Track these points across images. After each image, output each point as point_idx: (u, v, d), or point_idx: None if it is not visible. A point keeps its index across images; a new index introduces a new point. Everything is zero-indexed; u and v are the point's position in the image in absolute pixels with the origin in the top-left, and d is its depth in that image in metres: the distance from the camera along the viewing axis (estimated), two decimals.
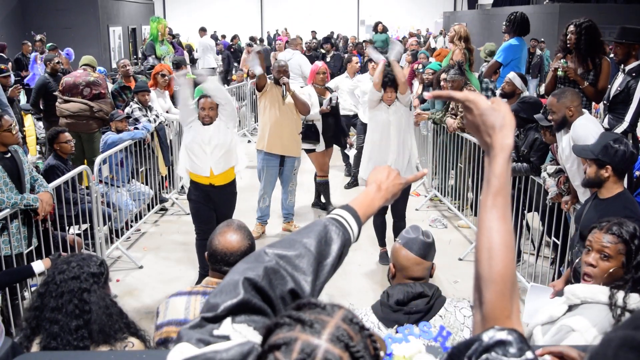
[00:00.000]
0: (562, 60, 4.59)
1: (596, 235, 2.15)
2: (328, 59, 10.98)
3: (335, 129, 6.07)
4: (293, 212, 5.81)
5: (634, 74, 4.24)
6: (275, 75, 5.40)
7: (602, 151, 2.90)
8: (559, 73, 4.61)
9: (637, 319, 0.88)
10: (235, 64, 14.19)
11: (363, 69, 8.25)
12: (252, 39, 16.08)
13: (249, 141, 9.78)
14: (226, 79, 12.85)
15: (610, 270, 2.09)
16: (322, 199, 6.36)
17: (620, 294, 2.01)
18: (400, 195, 5.61)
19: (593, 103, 4.91)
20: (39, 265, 3.54)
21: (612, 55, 4.60)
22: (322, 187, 6.07)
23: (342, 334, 0.89)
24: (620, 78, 4.34)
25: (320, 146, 5.92)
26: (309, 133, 5.79)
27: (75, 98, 6.34)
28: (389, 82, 4.71)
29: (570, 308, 2.15)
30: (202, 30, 13.06)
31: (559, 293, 3.07)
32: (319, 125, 5.89)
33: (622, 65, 4.39)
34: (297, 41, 9.86)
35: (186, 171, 4.51)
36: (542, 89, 6.56)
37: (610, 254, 2.10)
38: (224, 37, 17.97)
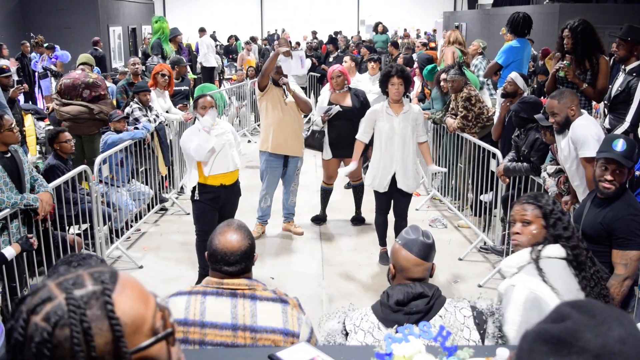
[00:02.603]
0: (565, 62, 4.53)
1: (515, 208, 2.39)
2: (331, 59, 11.00)
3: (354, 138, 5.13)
4: (294, 212, 5.81)
5: (634, 74, 4.23)
6: (274, 76, 5.40)
7: (637, 155, 2.90)
8: (560, 74, 4.59)
9: (554, 313, 0.92)
10: (235, 64, 14.17)
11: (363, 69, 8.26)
12: (253, 38, 16.07)
13: (249, 141, 9.78)
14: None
15: (534, 232, 2.30)
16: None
17: (539, 246, 2.26)
18: (403, 196, 5.54)
19: (594, 103, 4.89)
20: (9, 251, 3.54)
21: (613, 49, 4.54)
22: (321, 193, 6.05)
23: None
24: (620, 78, 4.33)
25: (327, 154, 5.74)
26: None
27: (74, 100, 6.31)
28: (396, 72, 4.58)
29: None
30: (202, 31, 13.09)
31: None
32: (327, 133, 5.66)
33: (623, 65, 4.38)
34: (281, 42, 9.92)
35: (201, 177, 4.41)
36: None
37: (530, 220, 2.32)
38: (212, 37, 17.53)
